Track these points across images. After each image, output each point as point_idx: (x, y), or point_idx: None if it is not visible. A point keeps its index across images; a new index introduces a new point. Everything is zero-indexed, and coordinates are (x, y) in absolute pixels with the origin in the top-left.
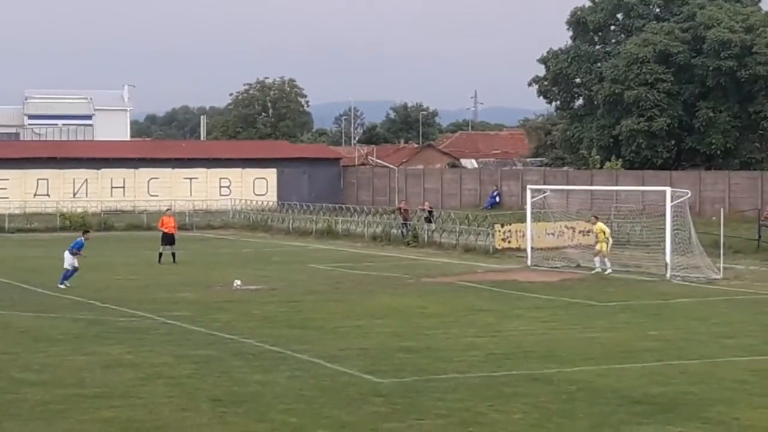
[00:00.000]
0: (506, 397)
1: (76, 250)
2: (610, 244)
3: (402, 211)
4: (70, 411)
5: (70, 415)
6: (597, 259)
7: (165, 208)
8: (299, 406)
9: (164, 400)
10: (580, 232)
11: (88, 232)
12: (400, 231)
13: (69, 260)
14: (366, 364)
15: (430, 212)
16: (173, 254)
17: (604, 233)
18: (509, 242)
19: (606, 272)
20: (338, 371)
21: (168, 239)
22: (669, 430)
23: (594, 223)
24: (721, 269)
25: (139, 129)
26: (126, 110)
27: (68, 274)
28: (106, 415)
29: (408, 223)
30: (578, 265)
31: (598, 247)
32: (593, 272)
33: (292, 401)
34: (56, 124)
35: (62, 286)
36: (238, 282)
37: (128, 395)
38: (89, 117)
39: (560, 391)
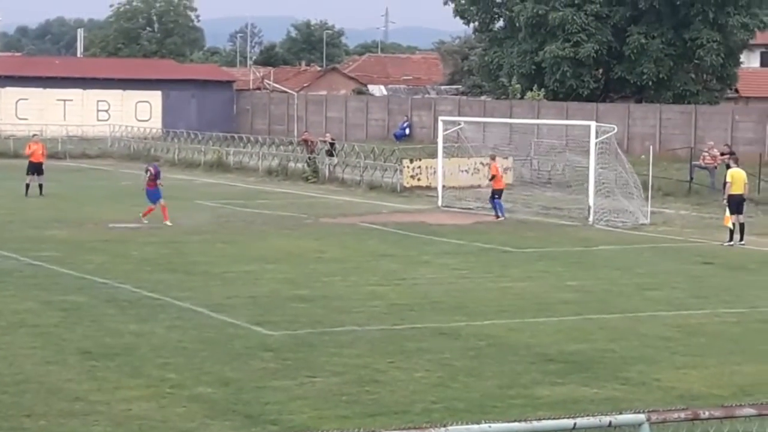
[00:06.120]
0: (408, 352)
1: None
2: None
3: (308, 143)
4: None
5: None
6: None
7: (33, 134)
8: (178, 360)
9: (27, 351)
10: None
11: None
12: (305, 164)
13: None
14: (255, 315)
15: (331, 144)
16: (40, 186)
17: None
18: (419, 180)
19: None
20: (223, 322)
21: (35, 168)
22: (584, 392)
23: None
24: (649, 213)
25: (8, 42)
26: None
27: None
28: None
29: (312, 156)
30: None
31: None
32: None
33: (170, 355)
34: None
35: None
36: None
37: None
38: None
39: (468, 346)
